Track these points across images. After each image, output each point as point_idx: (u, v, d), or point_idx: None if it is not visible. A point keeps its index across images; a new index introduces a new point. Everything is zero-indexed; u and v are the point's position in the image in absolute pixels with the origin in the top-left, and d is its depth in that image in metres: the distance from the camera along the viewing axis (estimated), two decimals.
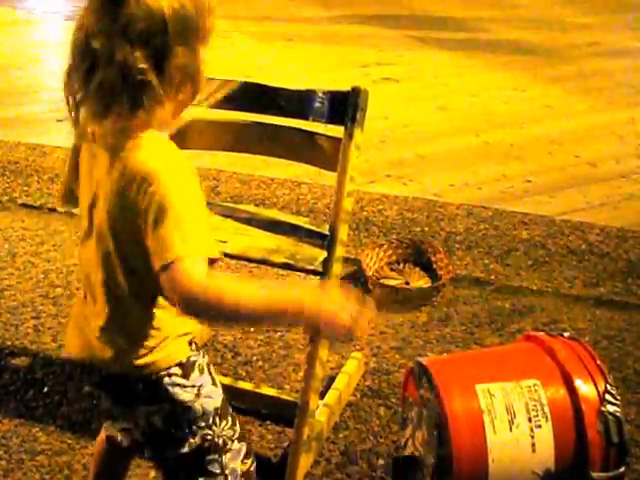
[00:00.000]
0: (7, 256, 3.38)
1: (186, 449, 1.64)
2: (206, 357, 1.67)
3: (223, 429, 1.68)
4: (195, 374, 1.62)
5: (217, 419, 1.66)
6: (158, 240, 1.38)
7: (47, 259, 3.31)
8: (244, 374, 2.68)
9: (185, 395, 1.60)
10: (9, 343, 2.80)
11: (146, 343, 1.55)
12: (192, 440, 1.64)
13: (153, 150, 1.46)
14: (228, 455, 1.70)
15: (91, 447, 2.32)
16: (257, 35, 6.70)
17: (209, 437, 1.66)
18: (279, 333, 2.90)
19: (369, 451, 2.40)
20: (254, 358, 2.76)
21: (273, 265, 2.24)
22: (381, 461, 2.36)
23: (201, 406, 1.63)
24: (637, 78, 6.24)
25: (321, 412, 2.39)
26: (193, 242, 1.38)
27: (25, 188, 3.99)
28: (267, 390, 2.53)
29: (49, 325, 2.87)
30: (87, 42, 1.39)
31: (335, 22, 7.43)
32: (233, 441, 1.72)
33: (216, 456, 1.69)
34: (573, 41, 7.15)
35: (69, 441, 2.39)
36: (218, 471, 1.70)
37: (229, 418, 1.71)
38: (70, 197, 1.68)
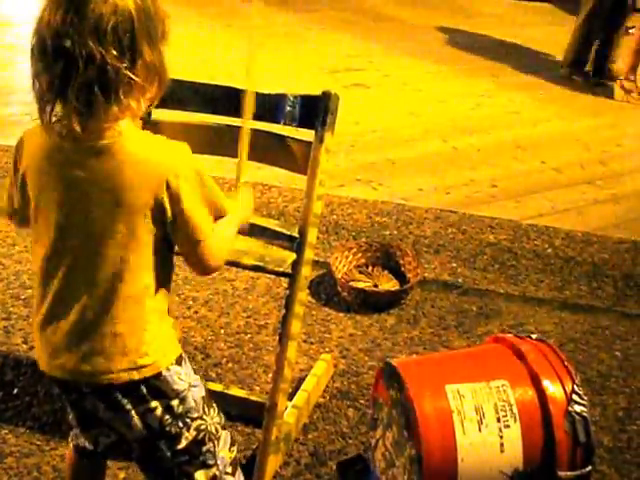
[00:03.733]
0: None
1: (182, 444, 1.67)
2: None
3: (213, 417, 1.72)
4: (184, 363, 1.66)
5: (206, 408, 1.70)
6: (187, 222, 1.53)
7: (18, 260, 3.30)
8: (214, 375, 2.69)
9: (181, 384, 1.64)
10: None
11: (144, 345, 1.57)
12: (187, 434, 1.67)
13: (148, 139, 1.54)
14: (220, 444, 1.74)
15: (61, 448, 2.33)
16: (226, 39, 6.68)
17: (203, 427, 1.69)
18: (249, 335, 2.91)
19: (338, 452, 2.42)
20: (224, 360, 2.77)
21: (243, 267, 2.26)
22: None
23: (192, 396, 1.66)
24: (601, 87, 6.31)
25: (289, 413, 2.40)
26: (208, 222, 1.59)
27: None
28: (236, 391, 2.55)
29: (20, 327, 2.86)
30: (58, 42, 1.40)
31: (305, 27, 7.45)
32: (223, 428, 1.76)
33: (211, 445, 1.72)
34: (539, 49, 7.22)
35: (38, 442, 2.38)
36: (212, 462, 1.73)
37: (214, 405, 1.75)
38: (22, 217, 1.65)
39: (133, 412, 1.62)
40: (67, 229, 1.53)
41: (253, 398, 2.50)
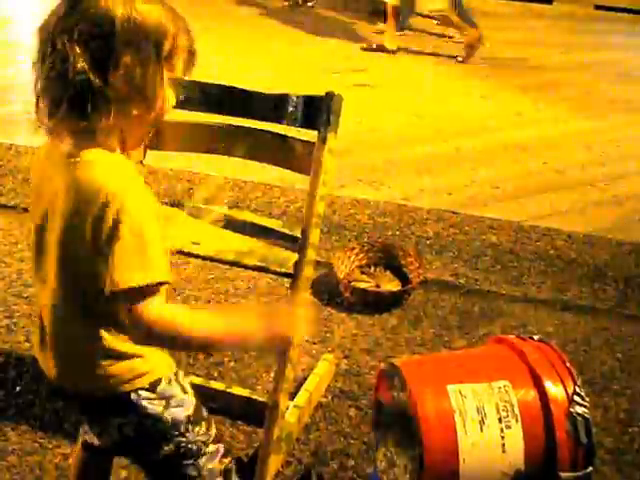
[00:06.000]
0: None
1: (160, 456, 1.65)
2: (173, 367, 1.67)
3: (197, 434, 1.69)
4: (162, 386, 1.61)
5: (190, 426, 1.66)
6: (109, 263, 1.36)
7: (21, 259, 3.30)
8: (216, 374, 2.69)
9: (153, 409, 1.60)
10: None
11: (106, 365, 1.53)
12: (166, 447, 1.65)
13: (107, 169, 1.41)
14: (204, 458, 1.72)
15: (63, 447, 2.33)
16: (231, 40, 6.69)
17: (182, 444, 1.67)
18: None
19: (340, 452, 2.42)
20: (226, 359, 2.77)
21: (245, 267, 2.26)
22: (352, 462, 2.38)
23: (170, 416, 1.62)
24: (604, 87, 6.32)
25: (291, 413, 2.41)
26: (148, 270, 1.37)
27: None
28: (239, 390, 2.55)
29: (22, 324, 2.86)
30: (49, 43, 1.37)
31: (309, 28, 7.45)
32: (208, 445, 1.73)
33: (192, 461, 1.70)
34: (542, 51, 7.22)
35: (41, 440, 2.38)
36: (195, 474, 1.71)
37: (202, 423, 1.71)
38: None
39: (109, 421, 1.62)
40: (42, 236, 1.53)
41: (255, 397, 2.51)
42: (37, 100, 1.42)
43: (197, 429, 1.69)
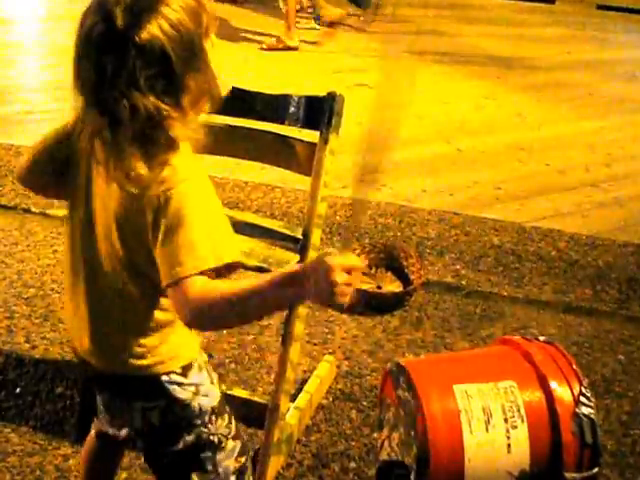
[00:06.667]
0: None
1: (180, 446, 1.65)
2: (204, 355, 1.69)
3: (219, 427, 1.70)
4: (194, 372, 1.63)
5: (213, 417, 1.68)
6: (167, 253, 1.39)
7: (21, 259, 3.30)
8: (217, 377, 2.68)
9: (183, 394, 1.61)
10: None
11: (146, 344, 1.56)
12: (187, 437, 1.65)
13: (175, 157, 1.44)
14: (222, 454, 1.72)
15: (63, 448, 2.33)
16: (231, 40, 6.68)
17: (204, 435, 1.67)
18: (252, 336, 2.91)
19: (341, 454, 2.41)
20: (227, 360, 2.77)
21: (246, 268, 2.25)
22: (353, 464, 2.37)
23: (198, 404, 1.64)
24: (607, 88, 6.32)
25: (292, 415, 2.40)
26: (201, 256, 1.39)
27: None
28: (239, 392, 2.53)
29: (22, 326, 2.86)
30: (96, 88, 1.36)
31: (309, 28, 7.45)
32: (228, 439, 1.73)
33: (210, 454, 1.70)
34: (544, 51, 7.22)
35: (41, 442, 2.38)
36: (210, 468, 1.71)
37: (225, 416, 1.72)
38: (30, 177, 1.70)
39: (134, 405, 1.63)
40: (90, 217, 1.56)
41: (256, 399, 2.49)
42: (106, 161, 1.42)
43: (220, 422, 1.70)
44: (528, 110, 5.66)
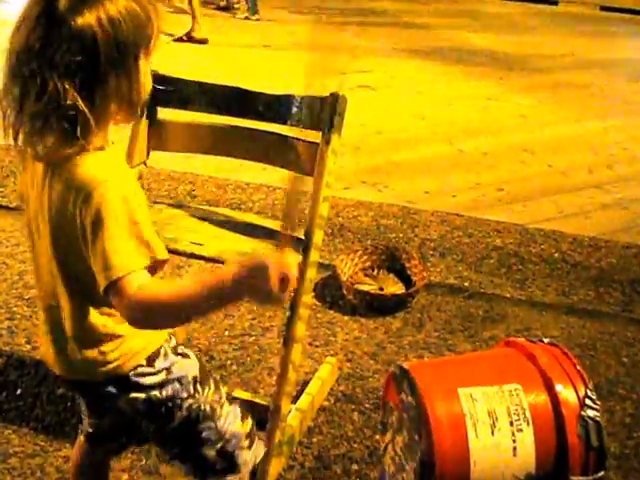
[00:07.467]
0: None
1: (176, 423, 1.65)
2: (172, 340, 1.66)
3: (207, 395, 1.68)
4: (160, 360, 1.62)
5: (199, 387, 1.67)
6: (97, 256, 1.37)
7: (22, 260, 3.30)
8: (218, 378, 2.66)
9: (155, 379, 1.60)
10: None
11: (103, 349, 1.54)
12: (179, 413, 1.64)
13: (94, 164, 1.41)
14: (221, 420, 1.71)
15: (64, 449, 2.32)
16: (235, 40, 6.70)
17: (195, 406, 1.66)
18: (253, 337, 2.90)
19: (343, 456, 2.40)
20: (228, 362, 2.76)
21: None
22: (355, 466, 2.36)
23: (175, 381, 1.63)
24: (610, 89, 6.31)
25: (293, 416, 2.39)
26: (130, 256, 1.38)
27: (1, 190, 3.97)
28: (241, 394, 2.53)
29: (23, 327, 2.85)
30: (18, 65, 1.35)
31: (312, 29, 7.45)
32: (222, 405, 1.72)
33: (210, 423, 1.69)
34: (547, 52, 7.22)
35: (42, 443, 2.37)
36: (215, 437, 1.70)
37: (211, 383, 1.71)
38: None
39: (119, 401, 1.61)
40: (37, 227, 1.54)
41: (257, 401, 2.49)
42: (16, 131, 1.40)
43: (207, 390, 1.69)
44: (531, 111, 5.66)
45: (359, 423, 2.53)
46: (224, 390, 1.75)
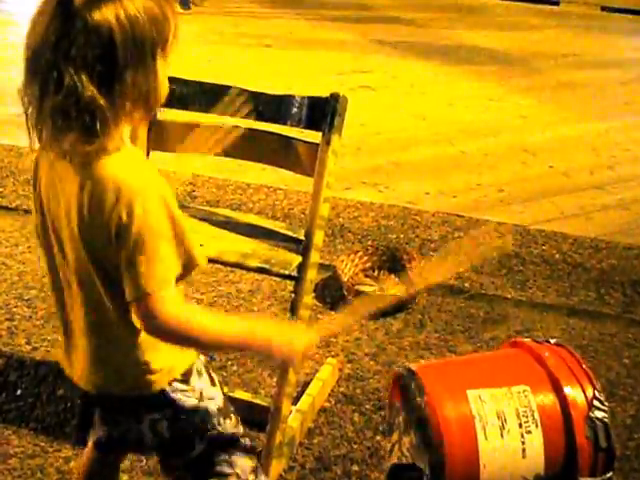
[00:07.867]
0: None
1: (195, 453, 1.64)
2: (202, 357, 1.67)
3: (228, 428, 1.69)
4: (194, 378, 1.61)
5: (221, 419, 1.67)
6: (135, 265, 1.37)
7: (22, 261, 3.29)
8: (219, 378, 2.66)
9: (189, 401, 1.60)
10: None
11: (147, 361, 1.53)
12: (200, 444, 1.64)
13: (125, 167, 1.41)
14: (236, 454, 1.71)
15: (64, 450, 2.32)
16: (235, 40, 6.69)
17: (215, 437, 1.66)
18: None
19: (343, 457, 2.39)
20: (229, 363, 2.75)
21: (248, 269, 2.25)
22: (355, 467, 2.36)
23: (205, 409, 1.63)
24: (611, 90, 6.30)
25: (294, 417, 2.39)
26: (166, 272, 1.40)
27: (0, 189, 3.97)
28: (241, 394, 2.53)
29: (23, 327, 2.85)
30: (35, 60, 1.36)
31: (312, 29, 7.45)
32: (243, 437, 1.73)
33: (225, 456, 1.69)
34: (548, 53, 7.21)
35: (42, 444, 2.37)
36: (229, 471, 1.70)
37: (232, 416, 1.71)
38: None
39: (142, 420, 1.60)
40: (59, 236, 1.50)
41: (257, 402, 2.48)
42: (38, 128, 1.40)
43: (227, 422, 1.69)
44: (532, 112, 5.65)
45: (360, 424, 2.52)
46: (241, 424, 1.74)
